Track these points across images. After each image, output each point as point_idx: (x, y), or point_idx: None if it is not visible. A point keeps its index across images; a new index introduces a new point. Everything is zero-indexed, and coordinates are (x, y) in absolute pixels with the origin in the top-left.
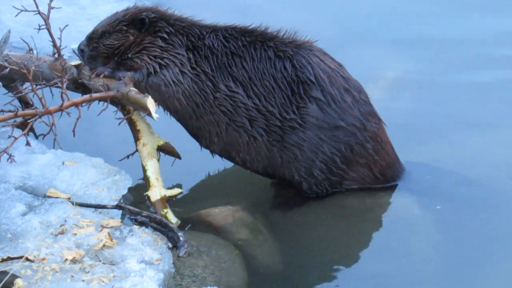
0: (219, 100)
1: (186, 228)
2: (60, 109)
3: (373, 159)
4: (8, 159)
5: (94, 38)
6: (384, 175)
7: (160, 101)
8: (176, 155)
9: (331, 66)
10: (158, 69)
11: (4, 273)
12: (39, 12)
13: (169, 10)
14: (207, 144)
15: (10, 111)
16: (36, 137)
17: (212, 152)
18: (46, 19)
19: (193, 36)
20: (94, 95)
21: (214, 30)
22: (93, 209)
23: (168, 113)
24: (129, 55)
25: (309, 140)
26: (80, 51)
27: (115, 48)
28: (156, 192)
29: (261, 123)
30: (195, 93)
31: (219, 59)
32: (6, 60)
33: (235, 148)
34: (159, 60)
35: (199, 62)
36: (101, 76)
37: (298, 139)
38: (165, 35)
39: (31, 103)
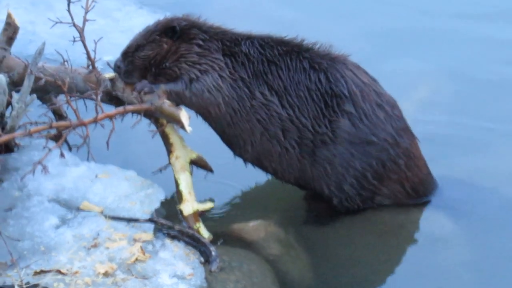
0: (255, 108)
1: (219, 243)
2: (94, 121)
3: (405, 175)
4: (42, 170)
5: (129, 53)
6: (416, 191)
7: (203, 107)
8: (209, 169)
9: (364, 81)
10: (199, 74)
11: (37, 286)
12: (74, 25)
13: (200, 18)
14: (240, 152)
15: (44, 122)
16: (70, 149)
17: (245, 160)
18: (81, 31)
19: (228, 42)
20: (128, 107)
21: (249, 37)
22: (125, 223)
23: (205, 121)
24: (167, 64)
25: (340, 155)
26: (117, 68)
27: (150, 58)
28: (188, 206)
29: (294, 135)
30: (233, 99)
31: (255, 66)
32: (41, 72)
33: (268, 158)
34: (198, 66)
35: (236, 68)
36: (142, 93)
37: (329, 154)
38: (200, 42)
39: (65, 115)
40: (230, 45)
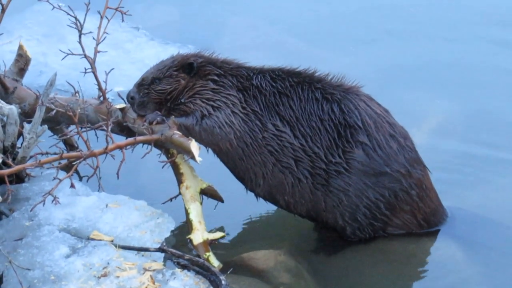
0: (267, 139)
1: (228, 272)
2: (105, 151)
3: (417, 206)
4: (52, 201)
5: (144, 85)
6: (427, 221)
7: (213, 143)
8: (219, 199)
9: (377, 112)
10: (212, 111)
11: None
12: (85, 56)
13: (213, 54)
14: (252, 187)
15: (55, 153)
16: (81, 179)
17: (257, 195)
18: (92, 62)
19: (241, 77)
20: (138, 138)
21: (261, 71)
22: (135, 252)
23: (216, 156)
24: (182, 100)
25: (355, 185)
26: (130, 99)
27: (167, 93)
28: (198, 235)
29: (307, 165)
30: (245, 133)
31: (267, 98)
32: (52, 103)
33: (280, 191)
34: (212, 103)
35: (248, 102)
36: (154, 123)
37: (344, 184)
38: (215, 77)
39: (76, 145)
40: (243, 80)
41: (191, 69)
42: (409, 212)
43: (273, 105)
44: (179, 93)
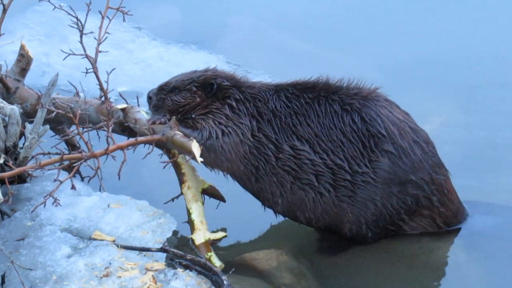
0: (282, 160)
1: (230, 272)
2: (106, 152)
3: (438, 211)
4: (53, 203)
5: (164, 90)
6: (448, 224)
7: (215, 164)
8: (221, 199)
9: (399, 118)
10: (220, 135)
11: None
12: (86, 56)
13: (243, 78)
14: (270, 205)
15: (56, 154)
16: (82, 179)
17: (276, 212)
18: (93, 62)
19: (259, 101)
20: (140, 138)
21: (277, 91)
22: (137, 252)
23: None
24: (193, 116)
25: (381, 194)
26: (148, 98)
27: (180, 105)
28: (200, 235)
29: (328, 178)
30: (254, 158)
31: (282, 121)
32: (53, 103)
33: (300, 207)
34: (223, 127)
35: (262, 128)
36: (157, 122)
37: (372, 193)
38: (233, 103)
39: (77, 145)
40: (260, 103)
41: (210, 89)
42: (428, 216)
43: (289, 126)
44: (190, 108)
